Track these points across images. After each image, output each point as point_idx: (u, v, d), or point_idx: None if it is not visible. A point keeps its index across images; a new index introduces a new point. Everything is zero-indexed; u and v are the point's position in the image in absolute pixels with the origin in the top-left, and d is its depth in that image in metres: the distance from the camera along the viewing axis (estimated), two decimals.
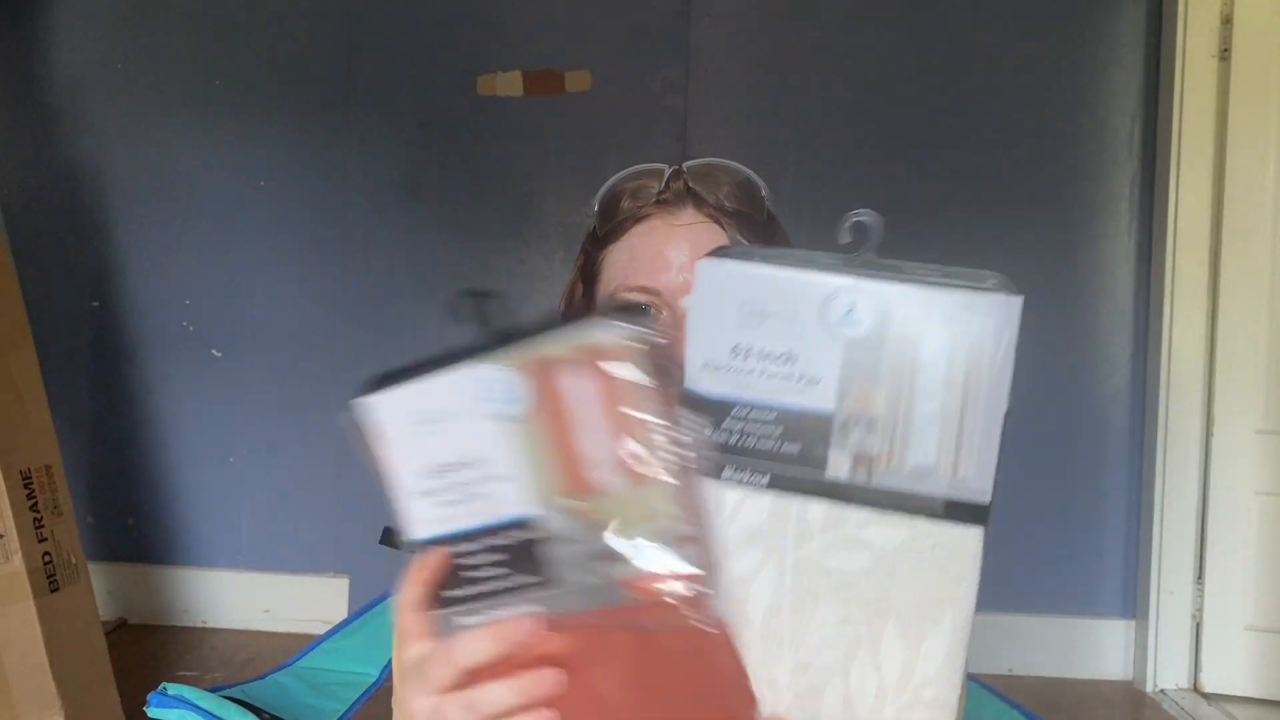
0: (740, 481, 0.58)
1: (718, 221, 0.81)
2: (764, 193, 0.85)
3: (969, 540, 0.56)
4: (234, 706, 0.91)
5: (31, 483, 1.70)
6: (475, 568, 0.57)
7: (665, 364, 0.54)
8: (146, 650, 2.38)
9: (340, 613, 2.34)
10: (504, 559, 0.56)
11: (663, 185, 0.84)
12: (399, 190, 2.48)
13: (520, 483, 0.55)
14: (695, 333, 0.59)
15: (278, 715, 0.97)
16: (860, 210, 0.59)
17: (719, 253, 0.59)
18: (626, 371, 0.53)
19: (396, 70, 2.48)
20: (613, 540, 0.54)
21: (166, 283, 2.53)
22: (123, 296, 2.55)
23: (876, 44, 2.39)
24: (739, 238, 0.81)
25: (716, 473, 0.58)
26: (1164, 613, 2.30)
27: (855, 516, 0.56)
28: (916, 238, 2.59)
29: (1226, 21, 2.21)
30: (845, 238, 0.58)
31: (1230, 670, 2.27)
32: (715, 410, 0.59)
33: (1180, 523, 2.28)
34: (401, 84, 2.48)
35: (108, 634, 1.90)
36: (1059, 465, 2.38)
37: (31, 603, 1.64)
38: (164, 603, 2.57)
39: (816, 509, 0.57)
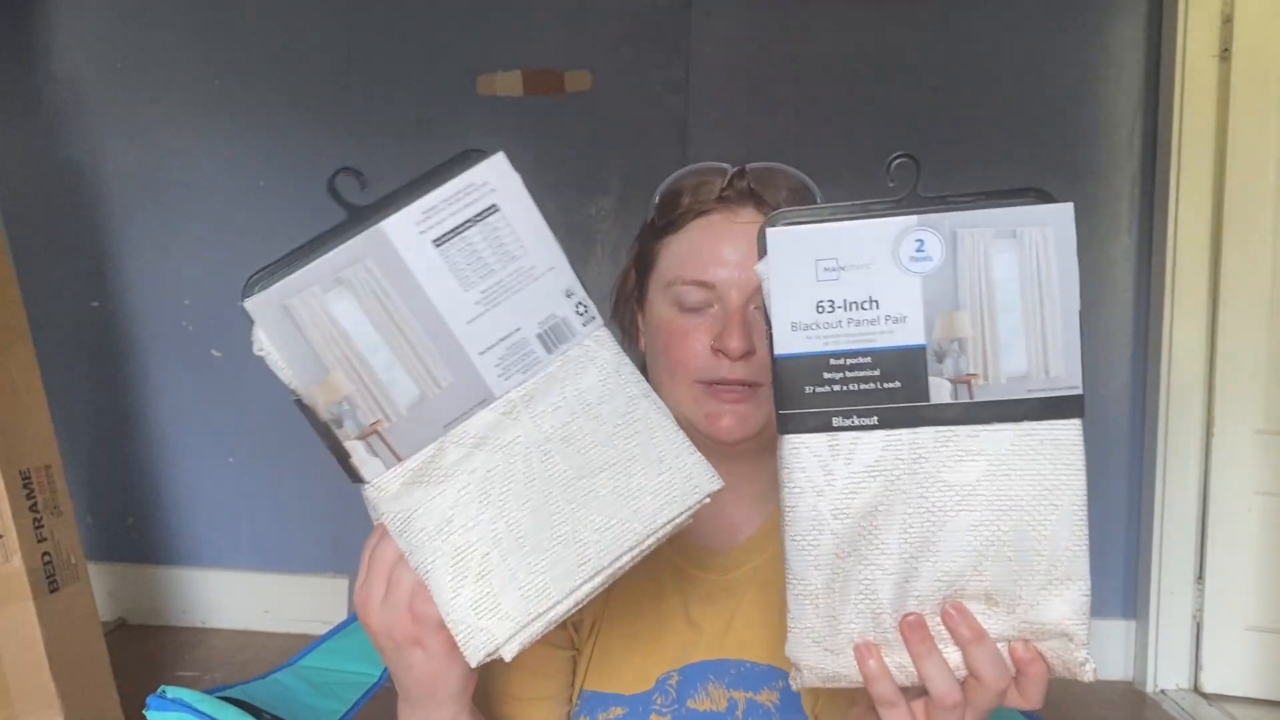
0: (850, 426, 0.62)
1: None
2: (818, 199, 0.87)
3: (1070, 430, 0.61)
4: (233, 709, 0.91)
5: (31, 483, 1.70)
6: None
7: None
8: (146, 650, 2.38)
9: (340, 613, 2.34)
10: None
11: (726, 183, 0.86)
12: None
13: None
14: (777, 298, 0.63)
15: (278, 715, 0.97)
16: (900, 153, 0.65)
17: (779, 218, 0.63)
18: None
19: (396, 70, 2.48)
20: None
21: (166, 283, 2.53)
22: (123, 296, 2.54)
23: (876, 44, 2.39)
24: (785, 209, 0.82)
25: (827, 425, 0.62)
26: (1164, 613, 2.30)
27: (964, 431, 0.61)
28: None
29: (1226, 21, 2.21)
30: (890, 180, 0.63)
31: (1230, 670, 2.27)
32: (812, 366, 0.62)
33: (1180, 523, 2.28)
34: (401, 84, 2.48)
35: (108, 634, 1.90)
36: None
37: (31, 603, 1.64)
38: (164, 603, 2.57)
39: (926, 433, 0.62)
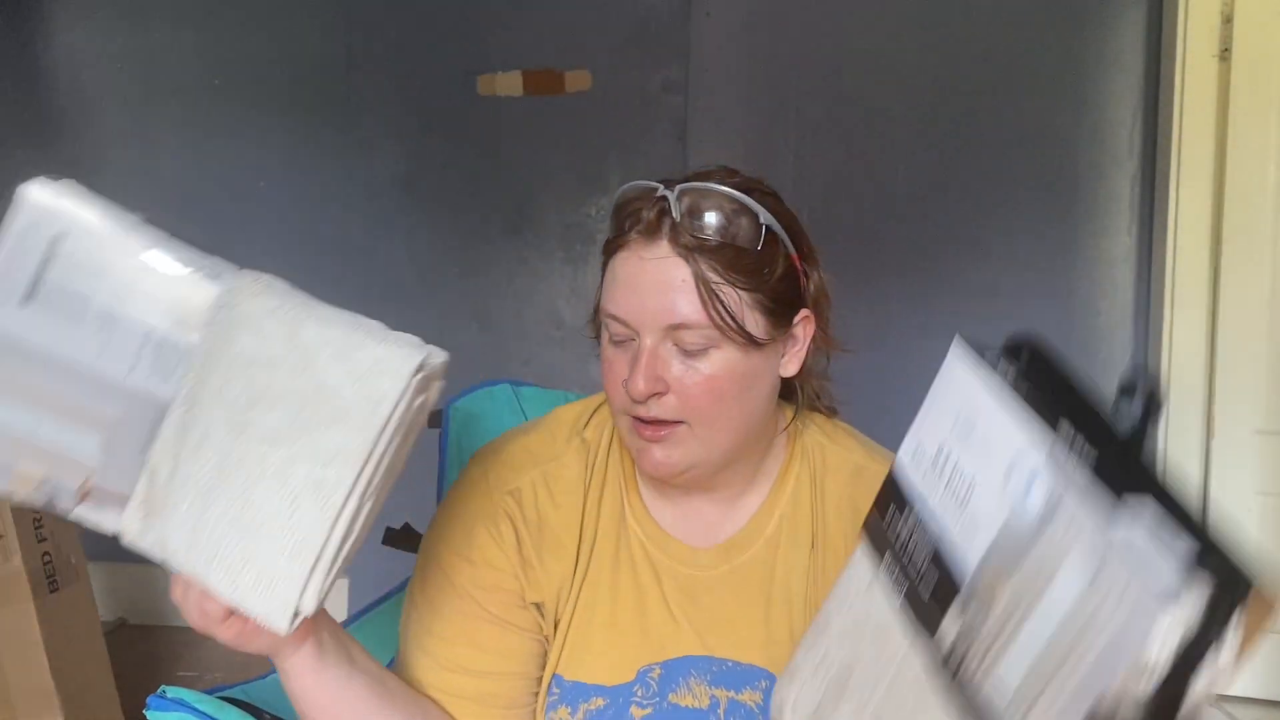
0: (887, 580, 0.60)
1: (687, 256, 0.80)
2: (762, 220, 0.82)
3: None
4: (233, 709, 0.91)
5: None
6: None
7: None
8: (146, 650, 2.38)
9: (340, 614, 2.33)
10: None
11: (645, 212, 0.82)
12: (399, 190, 2.47)
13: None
14: (927, 412, 0.60)
15: (278, 715, 0.97)
16: (1143, 379, 0.51)
17: (1021, 342, 0.55)
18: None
19: (396, 70, 2.47)
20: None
21: None
22: None
23: (876, 44, 2.39)
24: (708, 271, 0.79)
25: (878, 558, 0.61)
26: None
27: (928, 686, 0.53)
28: (917, 237, 2.60)
29: (1226, 21, 2.21)
30: (1117, 407, 0.51)
31: None
32: (903, 495, 0.60)
33: None
34: (401, 84, 2.47)
35: (108, 634, 1.90)
36: None
37: (31, 603, 1.64)
38: (164, 603, 2.56)
39: (912, 654, 0.55)
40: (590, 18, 2.43)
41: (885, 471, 0.85)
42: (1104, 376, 2.37)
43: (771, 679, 0.87)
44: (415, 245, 2.48)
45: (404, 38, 2.47)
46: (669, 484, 0.88)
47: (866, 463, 0.91)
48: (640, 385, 0.79)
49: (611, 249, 0.85)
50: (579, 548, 0.89)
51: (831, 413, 0.96)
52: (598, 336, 0.91)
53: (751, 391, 0.84)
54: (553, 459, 0.91)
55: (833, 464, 0.91)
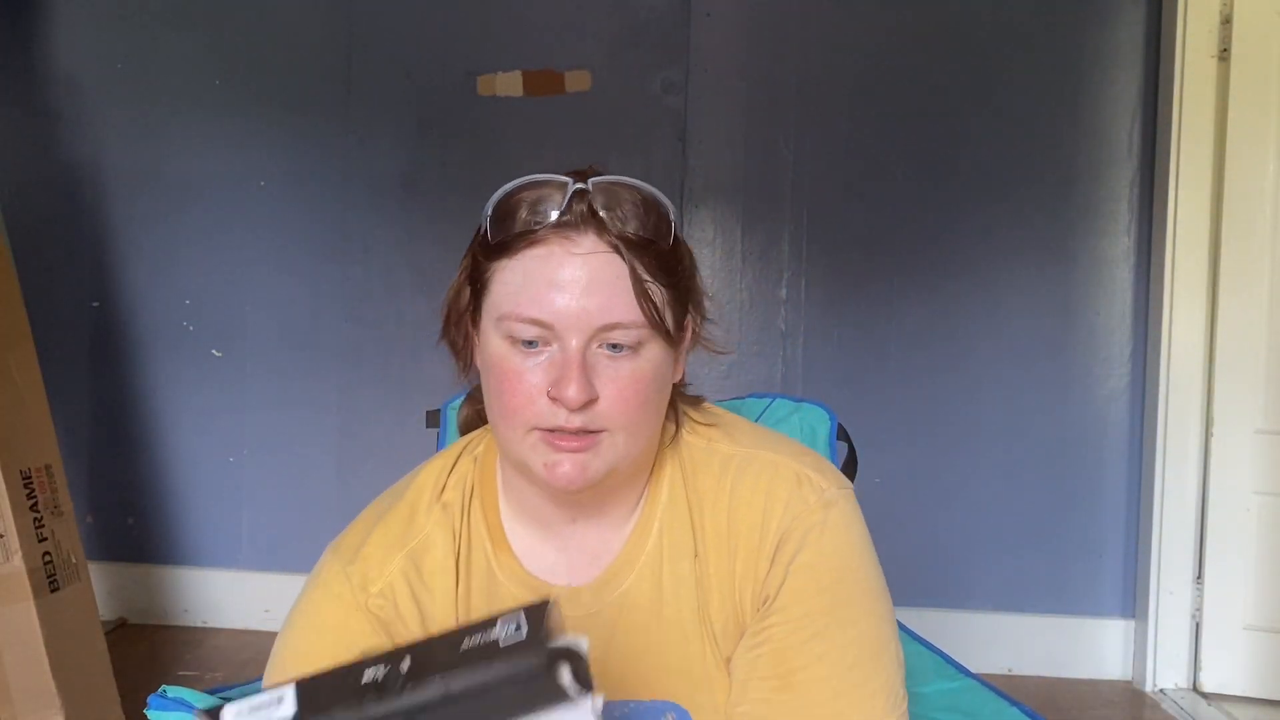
0: None
1: (618, 251, 0.75)
2: (671, 215, 0.79)
3: None
4: None
5: (31, 483, 1.70)
6: None
7: None
8: (146, 650, 2.38)
9: None
10: None
11: (564, 206, 0.76)
12: (399, 190, 2.48)
13: None
14: None
15: None
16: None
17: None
18: None
19: (396, 70, 2.48)
20: None
21: (166, 283, 2.53)
22: (123, 296, 2.54)
23: (876, 44, 2.39)
24: (638, 267, 0.75)
25: None
26: (1163, 612, 2.30)
27: None
28: (916, 237, 2.60)
29: (1226, 21, 2.21)
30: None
31: (1230, 670, 2.27)
32: None
33: (1180, 522, 2.28)
34: (401, 84, 2.47)
35: (108, 634, 1.90)
36: (1059, 465, 2.38)
37: (31, 603, 1.64)
38: (164, 603, 2.57)
39: None
40: (590, 18, 2.43)
41: (756, 455, 0.83)
42: (1104, 376, 2.37)
43: (677, 709, 0.82)
44: (415, 245, 2.48)
45: (404, 38, 2.47)
46: (566, 500, 0.82)
47: (733, 450, 0.85)
48: (574, 394, 0.72)
49: (515, 246, 0.77)
50: None
51: (697, 401, 0.90)
52: (457, 349, 0.84)
53: (663, 394, 0.80)
54: (416, 537, 0.85)
55: (701, 460, 0.85)
